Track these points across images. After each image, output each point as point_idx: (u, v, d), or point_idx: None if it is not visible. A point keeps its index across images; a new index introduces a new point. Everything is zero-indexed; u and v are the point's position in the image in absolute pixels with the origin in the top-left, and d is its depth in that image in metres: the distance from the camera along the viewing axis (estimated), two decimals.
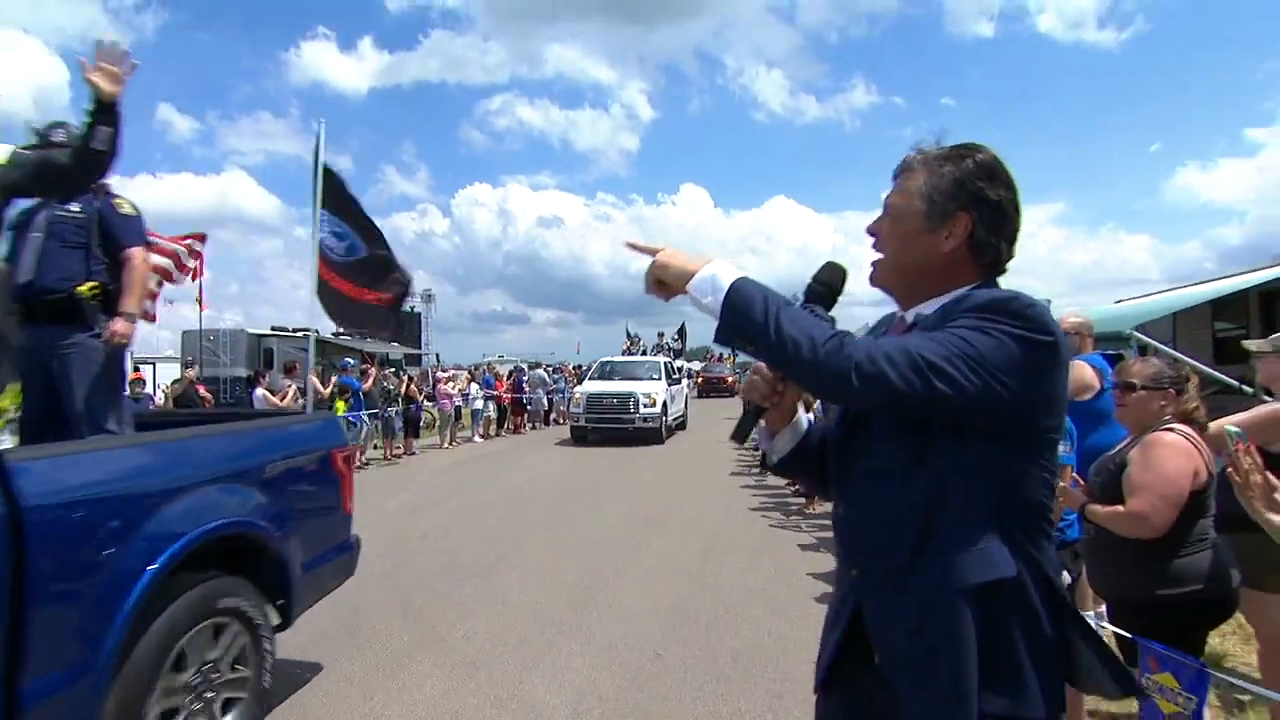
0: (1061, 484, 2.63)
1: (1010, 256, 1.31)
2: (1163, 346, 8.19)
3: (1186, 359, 7.90)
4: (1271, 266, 9.25)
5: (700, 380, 35.91)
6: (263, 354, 20.85)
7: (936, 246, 1.28)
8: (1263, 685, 3.05)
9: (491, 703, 3.62)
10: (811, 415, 1.56)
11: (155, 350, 21.79)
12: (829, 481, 1.45)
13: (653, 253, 1.32)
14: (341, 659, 4.14)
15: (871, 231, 1.37)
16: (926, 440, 1.20)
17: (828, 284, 1.37)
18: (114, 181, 3.54)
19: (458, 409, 17.07)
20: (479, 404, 17.54)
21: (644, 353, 23.98)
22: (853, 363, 1.12)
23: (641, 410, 15.11)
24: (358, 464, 12.83)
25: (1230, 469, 1.84)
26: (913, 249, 1.30)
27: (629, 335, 26.13)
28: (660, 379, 16.61)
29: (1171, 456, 2.32)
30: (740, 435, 1.45)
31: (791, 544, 6.75)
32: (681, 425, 18.04)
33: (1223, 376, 7.03)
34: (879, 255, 1.36)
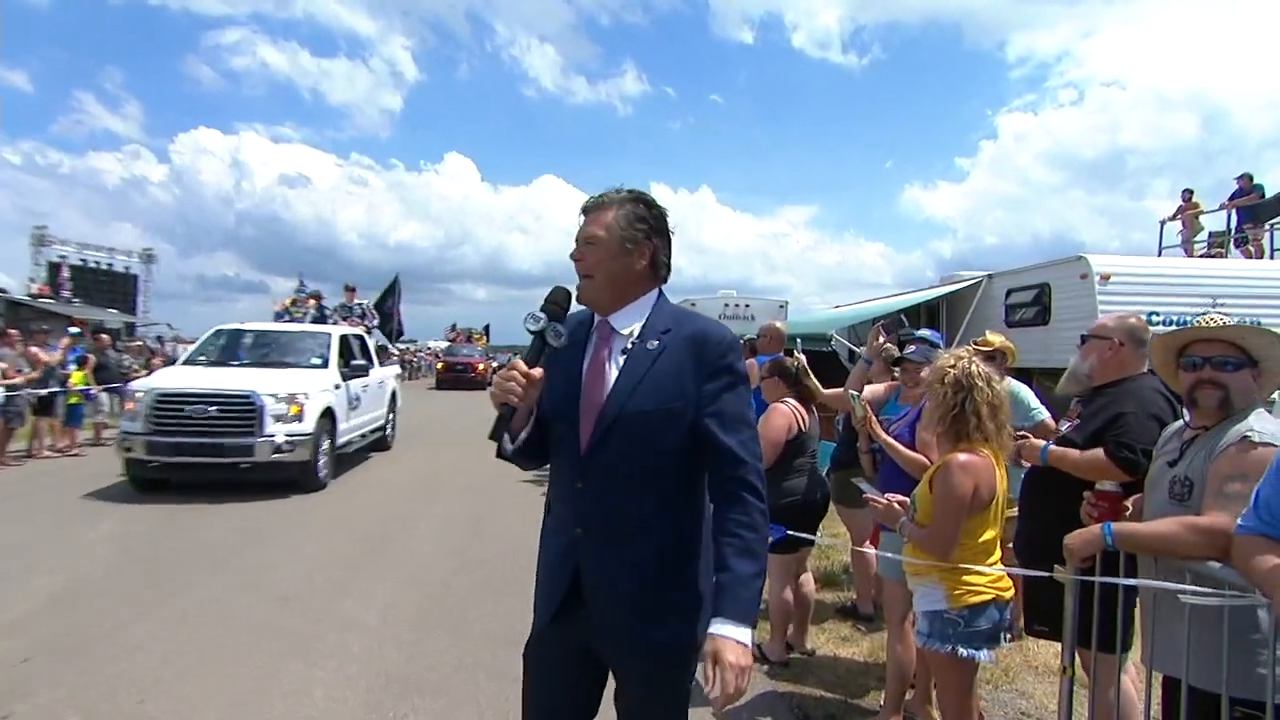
0: None
1: (668, 266, 1.83)
2: (847, 344, 10.77)
3: (859, 352, 10.54)
4: (935, 287, 12.36)
5: (441, 367, 32.80)
6: None
7: (632, 266, 1.77)
8: (853, 566, 5.02)
9: (310, 622, 4.60)
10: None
11: None
12: (554, 456, 1.83)
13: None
14: (165, 604, 4.86)
15: (577, 258, 1.78)
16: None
17: (559, 303, 1.77)
18: None
19: None
20: None
21: (317, 319, 13.16)
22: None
23: (273, 430, 8.23)
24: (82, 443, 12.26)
25: (857, 416, 3.61)
26: (614, 268, 1.76)
27: (299, 290, 13.85)
28: (326, 366, 9.79)
29: (776, 418, 4.04)
30: (499, 435, 1.75)
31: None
32: (380, 445, 11.95)
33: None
34: (588, 277, 1.77)
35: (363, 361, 10.75)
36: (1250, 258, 12.62)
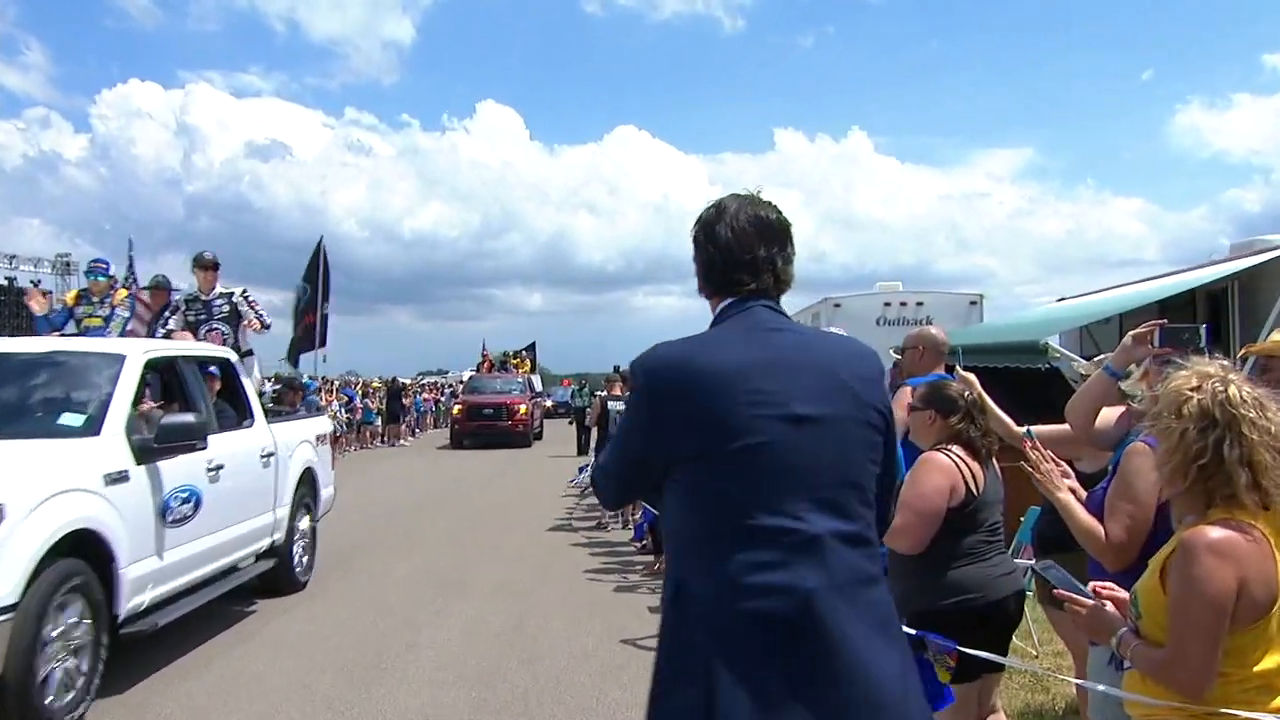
0: None
1: (723, 275, 2.35)
2: (1077, 357, 10.37)
3: (1083, 365, 10.05)
4: (1214, 264, 11.78)
5: (458, 411, 30.35)
6: None
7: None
8: (1080, 705, 4.77)
9: None
10: None
11: None
12: None
13: None
14: None
15: None
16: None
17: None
18: None
19: None
20: None
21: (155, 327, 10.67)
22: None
23: None
24: None
25: (1026, 463, 3.42)
26: None
27: (93, 270, 10.87)
28: (94, 430, 6.37)
29: (929, 474, 3.84)
30: None
31: (631, 607, 8.24)
32: (274, 583, 8.90)
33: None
34: None
35: (191, 418, 6.89)
36: None
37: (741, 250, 2.31)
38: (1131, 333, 3.88)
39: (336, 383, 31.53)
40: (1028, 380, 9.46)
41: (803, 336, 2.36)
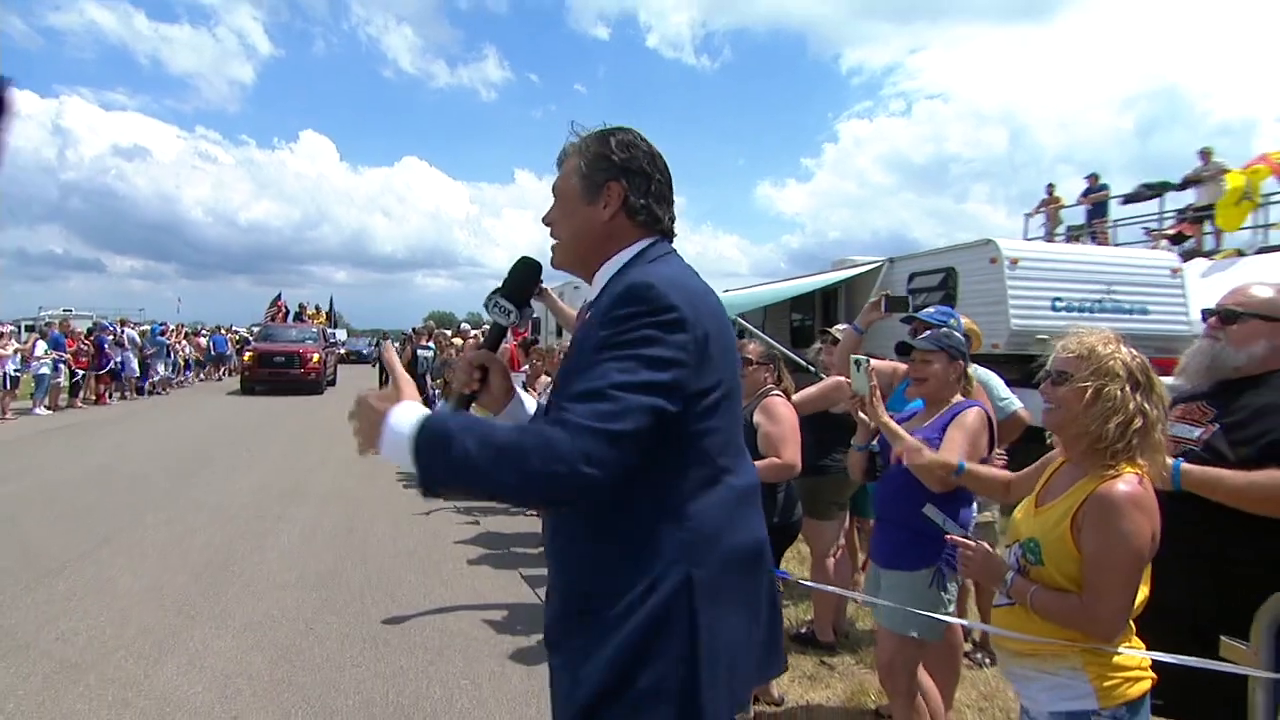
0: None
1: (667, 214, 1.49)
2: (758, 332, 10.12)
3: (774, 342, 9.92)
4: (830, 272, 11.94)
5: (249, 358, 20.98)
6: None
7: (597, 216, 1.44)
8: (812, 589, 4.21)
9: (109, 705, 3.27)
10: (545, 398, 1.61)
11: None
12: None
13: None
14: None
15: (547, 221, 1.53)
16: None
17: (518, 273, 1.58)
18: None
19: (10, 376, 13.96)
20: (46, 368, 14.72)
21: None
22: (569, 477, 1.15)
23: None
24: None
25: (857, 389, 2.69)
26: (576, 223, 1.47)
27: None
28: None
29: (789, 414, 3.18)
30: None
31: (443, 510, 6.99)
32: None
33: (796, 357, 9.04)
34: (556, 240, 1.52)
35: None
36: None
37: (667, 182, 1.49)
38: (871, 300, 3.72)
39: (186, 329, 26.78)
40: None
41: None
